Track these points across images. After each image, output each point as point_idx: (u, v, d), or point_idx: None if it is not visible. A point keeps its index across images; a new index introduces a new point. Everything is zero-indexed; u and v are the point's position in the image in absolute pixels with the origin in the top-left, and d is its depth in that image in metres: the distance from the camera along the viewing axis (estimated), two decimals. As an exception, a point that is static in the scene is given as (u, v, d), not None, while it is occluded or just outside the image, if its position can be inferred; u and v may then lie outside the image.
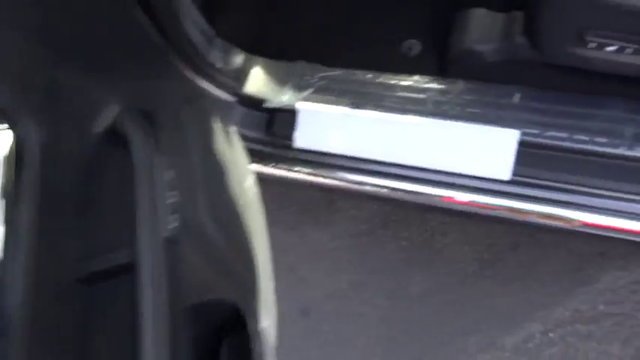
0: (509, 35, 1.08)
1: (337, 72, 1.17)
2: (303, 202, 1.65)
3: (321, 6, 1.26)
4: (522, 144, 1.07)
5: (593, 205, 1.07)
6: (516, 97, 1.10)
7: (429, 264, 1.62)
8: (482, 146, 1.09)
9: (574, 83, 1.08)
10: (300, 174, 1.20)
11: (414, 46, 1.21)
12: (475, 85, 1.12)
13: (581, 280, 1.54)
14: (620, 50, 0.93)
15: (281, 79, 1.16)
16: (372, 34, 1.23)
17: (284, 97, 1.15)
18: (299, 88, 1.16)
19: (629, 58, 0.94)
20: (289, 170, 1.18)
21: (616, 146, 1.03)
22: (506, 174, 1.08)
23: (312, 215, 1.65)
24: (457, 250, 1.62)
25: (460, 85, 1.13)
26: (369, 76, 1.16)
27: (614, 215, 1.09)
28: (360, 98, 1.14)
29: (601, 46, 0.94)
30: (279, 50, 1.21)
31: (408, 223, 1.66)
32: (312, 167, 1.15)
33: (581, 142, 1.04)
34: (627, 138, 1.04)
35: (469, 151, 1.10)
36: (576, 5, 0.90)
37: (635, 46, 0.92)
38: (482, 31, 1.11)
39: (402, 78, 1.16)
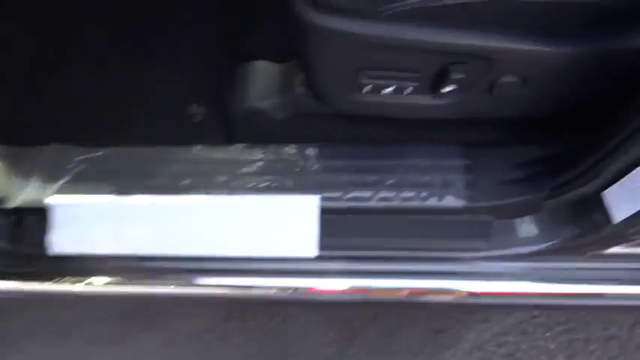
0: (290, 88, 0.92)
1: (100, 152, 0.95)
2: (118, 309, 1.38)
3: (78, 76, 1.06)
4: (325, 211, 0.90)
5: (418, 270, 0.92)
6: (311, 157, 0.94)
7: (285, 354, 1.40)
8: (282, 220, 0.91)
9: (370, 133, 0.94)
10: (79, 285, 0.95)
11: (197, 112, 1.03)
12: (265, 148, 0.95)
13: (445, 341, 1.38)
14: (399, 91, 0.80)
15: (27, 170, 0.93)
16: (147, 102, 1.03)
17: (31, 192, 0.91)
18: (50, 178, 0.92)
19: (409, 98, 0.81)
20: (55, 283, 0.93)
21: (425, 199, 0.89)
22: (312, 250, 0.89)
23: (135, 322, 1.38)
24: (313, 331, 1.42)
25: (248, 149, 0.95)
26: (143, 151, 0.96)
27: (447, 278, 0.94)
28: (130, 181, 0.92)
29: (378, 89, 0.80)
30: (27, 134, 0.98)
31: (254, 311, 1.44)
32: (80, 275, 0.91)
33: (386, 199, 0.89)
34: (437, 187, 0.90)
35: (269, 229, 0.92)
36: (344, 45, 0.75)
37: (414, 84, 0.79)
38: (262, 86, 0.95)
39: (183, 150, 0.97)
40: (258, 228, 0.91)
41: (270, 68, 0.96)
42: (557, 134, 0.91)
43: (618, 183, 0.78)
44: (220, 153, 0.96)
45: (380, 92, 0.80)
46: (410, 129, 0.93)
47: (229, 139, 0.98)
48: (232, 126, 0.98)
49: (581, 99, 0.81)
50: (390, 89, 0.80)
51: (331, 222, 0.89)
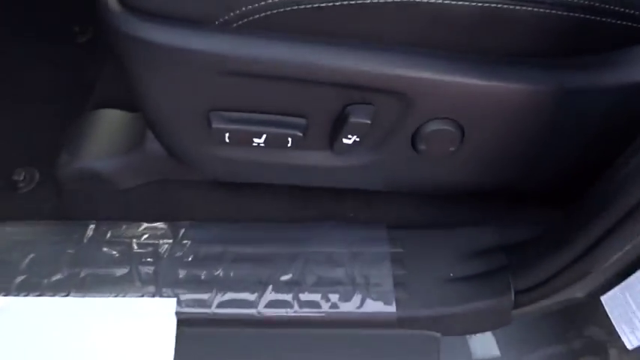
0: (141, 144, 0.64)
1: None
2: None
3: None
4: (186, 321, 0.60)
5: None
6: (172, 243, 0.64)
7: None
8: (123, 334, 0.61)
9: (258, 208, 0.66)
10: None
11: (23, 179, 0.73)
12: (102, 227, 0.66)
13: None
14: (277, 143, 0.52)
15: None
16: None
17: None
18: None
19: (295, 157, 0.54)
20: None
21: (336, 305, 0.59)
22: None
23: None
24: None
25: (85, 229, 0.66)
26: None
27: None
28: None
29: (244, 139, 0.52)
30: None
31: None
32: None
33: (280, 304, 0.60)
34: (354, 286, 0.61)
35: (106, 347, 0.61)
36: (179, 70, 0.48)
37: (296, 133, 0.51)
38: (104, 142, 0.67)
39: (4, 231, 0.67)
40: (102, 335, 0.60)
41: (118, 118, 0.68)
42: (521, 210, 0.63)
43: (626, 283, 0.50)
44: (52, 232, 0.66)
45: (249, 144, 0.52)
46: (313, 202, 0.65)
47: (61, 214, 0.68)
48: (64, 198, 0.69)
49: (547, 154, 0.54)
50: (261, 140, 0.52)
51: (196, 337, 0.59)
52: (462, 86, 0.48)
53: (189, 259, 0.63)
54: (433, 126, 0.51)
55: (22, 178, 0.74)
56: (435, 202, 0.66)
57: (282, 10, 0.43)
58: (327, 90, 0.49)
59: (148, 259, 0.63)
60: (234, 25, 0.45)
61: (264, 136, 0.51)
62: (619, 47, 0.48)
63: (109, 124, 0.68)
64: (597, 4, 0.44)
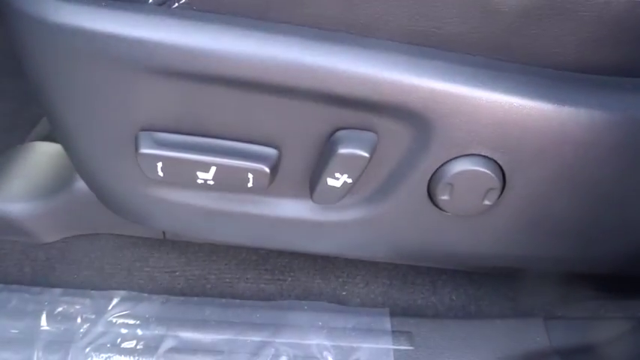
0: (67, 184, 0.49)
1: None
2: None
3: None
4: None
5: None
6: (89, 319, 0.47)
7: None
8: None
9: (195, 275, 0.49)
10: None
11: None
12: (7, 292, 0.49)
13: None
14: (234, 181, 0.36)
15: None
16: None
17: None
18: None
19: (263, 204, 0.38)
20: None
21: None
22: None
23: None
24: None
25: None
26: None
27: None
28: None
29: (183, 173, 0.36)
30: None
31: None
32: None
33: None
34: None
35: None
36: (99, 69, 0.33)
37: (261, 167, 0.35)
38: (24, 180, 0.52)
39: None
40: None
41: (51, 153, 0.53)
42: (583, 298, 0.46)
43: None
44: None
45: (194, 182, 0.36)
46: (287, 273, 0.48)
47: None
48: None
49: (619, 214, 0.38)
50: (210, 175, 0.36)
51: None
52: (503, 108, 0.32)
53: (118, 342, 0.45)
54: (460, 166, 0.35)
55: None
56: (457, 281, 0.48)
57: None
58: (308, 105, 0.33)
59: (56, 344, 0.45)
60: (175, 3, 0.31)
61: (213, 169, 0.35)
62: None
63: (38, 160, 0.53)
64: None
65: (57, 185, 0.50)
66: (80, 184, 0.47)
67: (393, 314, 0.48)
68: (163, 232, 0.51)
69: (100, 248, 0.51)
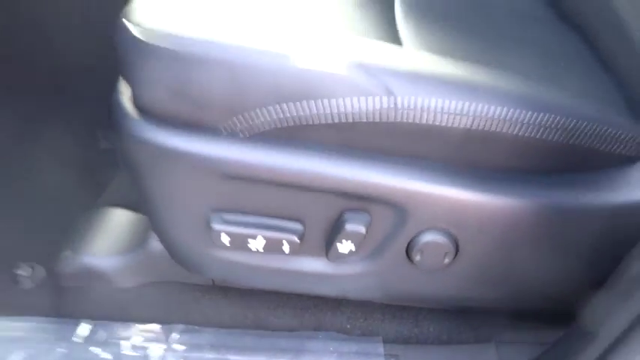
0: (144, 244, 0.65)
1: None
2: None
3: None
4: None
5: None
6: (160, 347, 0.63)
7: None
8: None
9: (254, 316, 0.65)
10: None
11: (25, 275, 0.74)
12: (96, 327, 0.65)
13: None
14: (274, 247, 0.53)
15: None
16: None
17: None
18: None
19: (291, 262, 0.54)
20: None
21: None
22: None
23: None
24: None
25: (78, 328, 0.65)
26: None
27: None
28: None
29: (241, 242, 0.53)
30: None
31: None
32: None
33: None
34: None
35: None
36: (186, 173, 0.51)
37: (293, 238, 0.53)
38: (106, 240, 0.68)
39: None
40: None
41: (124, 218, 0.71)
42: (522, 328, 0.62)
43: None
44: (44, 332, 0.66)
45: (245, 247, 0.53)
46: (310, 311, 0.64)
47: (58, 311, 0.68)
48: (64, 294, 0.69)
49: (542, 271, 0.54)
50: (259, 243, 0.53)
51: None
52: (456, 198, 0.50)
53: (179, 363, 0.62)
54: (428, 237, 0.52)
55: (24, 273, 0.75)
56: (434, 316, 0.65)
57: (287, 125, 0.47)
58: (325, 196, 0.51)
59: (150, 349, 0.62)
60: (242, 134, 0.48)
61: (262, 239, 0.53)
62: (604, 168, 0.50)
63: (114, 223, 0.70)
64: (577, 129, 0.47)
65: (134, 244, 0.67)
66: (155, 244, 0.64)
67: (385, 341, 0.64)
68: (212, 280, 0.68)
69: (166, 292, 0.67)
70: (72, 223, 0.74)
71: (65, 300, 0.70)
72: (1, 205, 0.79)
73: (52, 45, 0.83)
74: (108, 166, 0.86)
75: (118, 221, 0.71)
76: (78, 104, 0.86)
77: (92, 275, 0.67)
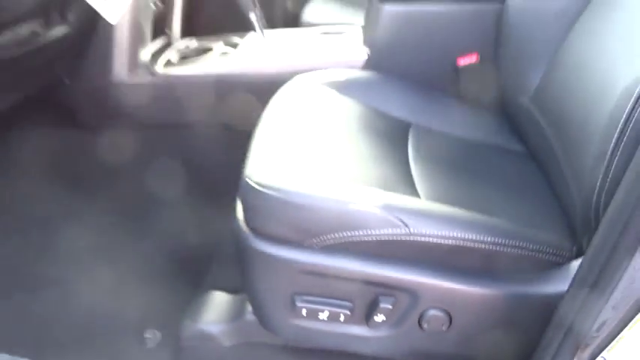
0: (241, 316, 0.97)
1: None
2: None
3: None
4: None
5: None
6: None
7: None
8: None
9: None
10: None
11: (151, 337, 1.06)
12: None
13: None
14: (334, 318, 0.84)
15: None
16: (105, 324, 1.08)
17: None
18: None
19: (345, 327, 0.85)
20: None
21: None
22: None
23: None
24: None
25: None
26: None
27: None
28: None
29: (313, 314, 0.84)
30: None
31: None
32: None
33: None
34: None
35: None
36: (280, 270, 0.83)
37: (346, 312, 0.84)
38: (215, 312, 1.00)
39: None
40: None
41: (225, 298, 1.03)
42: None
43: None
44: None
45: (316, 317, 0.84)
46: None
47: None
48: (182, 354, 1.00)
49: (509, 341, 0.83)
50: (324, 314, 0.84)
51: None
52: (448, 288, 0.80)
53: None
54: (431, 312, 0.82)
55: (150, 336, 1.07)
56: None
57: (343, 242, 0.79)
58: (367, 286, 0.82)
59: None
60: (317, 247, 0.80)
61: (327, 312, 0.84)
62: (544, 270, 0.80)
63: (219, 299, 1.03)
64: (524, 247, 0.78)
65: (235, 315, 0.98)
66: (249, 315, 0.95)
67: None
68: (288, 341, 0.98)
69: (256, 349, 0.97)
70: (186, 298, 1.07)
71: (181, 356, 1.01)
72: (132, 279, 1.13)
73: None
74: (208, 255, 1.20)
75: (221, 298, 1.03)
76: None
77: (204, 337, 0.99)
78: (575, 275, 0.72)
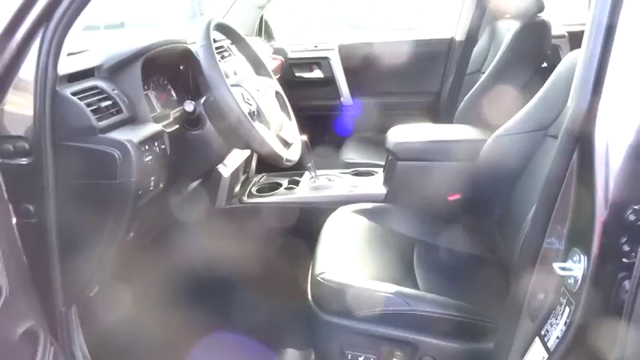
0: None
1: None
2: None
3: None
4: None
5: None
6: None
7: None
8: None
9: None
10: None
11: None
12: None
13: None
14: (368, 362, 1.41)
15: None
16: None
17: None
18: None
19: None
20: None
21: None
22: None
23: None
24: None
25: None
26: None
27: None
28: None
29: (355, 358, 1.41)
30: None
31: None
32: None
33: None
34: None
35: None
36: (336, 332, 1.41)
37: (374, 357, 1.41)
38: (291, 362, 1.57)
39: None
40: None
41: (295, 353, 1.61)
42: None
43: None
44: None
45: (357, 361, 1.42)
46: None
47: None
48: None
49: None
50: (362, 359, 1.41)
51: None
52: (434, 343, 1.37)
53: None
54: (425, 359, 1.38)
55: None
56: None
57: (379, 314, 1.38)
58: (388, 341, 1.39)
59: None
60: (359, 318, 1.39)
61: (363, 356, 1.40)
62: (482, 332, 1.37)
63: (292, 354, 1.59)
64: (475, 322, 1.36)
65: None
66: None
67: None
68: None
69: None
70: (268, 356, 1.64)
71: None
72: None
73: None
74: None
75: (293, 353, 1.60)
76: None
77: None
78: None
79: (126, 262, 1.56)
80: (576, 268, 0.96)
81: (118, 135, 1.23)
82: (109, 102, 1.29)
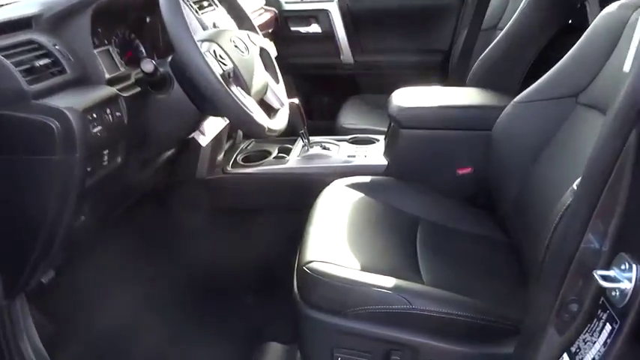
0: (293, 360, 1.36)
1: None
2: None
3: None
4: None
5: None
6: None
7: None
8: None
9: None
10: None
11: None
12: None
13: None
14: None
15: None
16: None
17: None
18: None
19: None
20: None
21: None
22: None
23: None
24: None
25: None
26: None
27: None
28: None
29: (345, 362, 1.22)
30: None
31: None
32: None
33: None
34: None
35: None
36: (323, 330, 1.22)
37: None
38: (273, 358, 1.39)
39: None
40: None
41: (279, 348, 1.42)
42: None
43: None
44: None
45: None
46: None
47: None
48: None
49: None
50: (353, 365, 1.22)
51: None
52: (435, 345, 1.17)
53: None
54: (426, 363, 1.20)
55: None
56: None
57: (370, 311, 1.18)
58: (383, 343, 1.20)
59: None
60: (350, 316, 1.19)
61: (355, 360, 1.22)
62: (495, 335, 1.17)
63: (275, 348, 1.41)
64: (490, 321, 1.16)
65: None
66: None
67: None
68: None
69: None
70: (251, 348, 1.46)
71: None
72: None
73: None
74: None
75: (277, 347, 1.42)
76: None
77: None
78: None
79: (89, 246, 1.36)
80: (624, 278, 0.76)
81: (57, 101, 1.01)
82: (48, 60, 1.05)
